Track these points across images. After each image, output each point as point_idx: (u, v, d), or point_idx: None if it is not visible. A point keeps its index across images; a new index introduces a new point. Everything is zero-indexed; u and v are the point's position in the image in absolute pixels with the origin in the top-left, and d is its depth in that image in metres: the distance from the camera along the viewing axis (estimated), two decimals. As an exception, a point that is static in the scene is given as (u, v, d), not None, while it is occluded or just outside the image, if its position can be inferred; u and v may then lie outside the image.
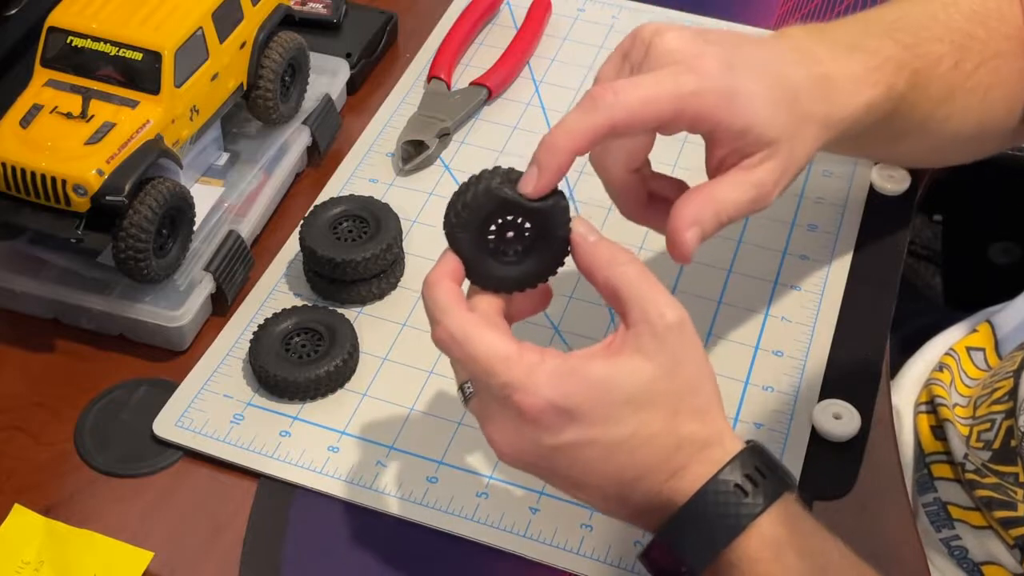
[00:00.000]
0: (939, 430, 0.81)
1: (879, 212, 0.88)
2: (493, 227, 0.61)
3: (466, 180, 0.61)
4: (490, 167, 0.62)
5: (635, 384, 0.58)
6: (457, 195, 0.61)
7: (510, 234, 0.61)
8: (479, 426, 0.62)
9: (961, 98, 0.76)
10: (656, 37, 0.64)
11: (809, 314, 0.81)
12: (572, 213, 0.62)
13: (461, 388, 0.63)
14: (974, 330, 0.87)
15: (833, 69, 0.68)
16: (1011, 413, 0.75)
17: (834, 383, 0.77)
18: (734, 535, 0.57)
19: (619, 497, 0.61)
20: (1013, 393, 0.76)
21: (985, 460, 0.76)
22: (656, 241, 0.86)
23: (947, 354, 0.86)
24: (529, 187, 0.60)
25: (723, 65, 0.63)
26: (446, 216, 0.62)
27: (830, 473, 0.73)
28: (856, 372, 0.78)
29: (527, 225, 0.61)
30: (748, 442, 0.60)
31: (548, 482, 0.63)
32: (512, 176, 0.61)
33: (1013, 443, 0.75)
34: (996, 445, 0.76)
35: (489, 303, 0.62)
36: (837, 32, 0.71)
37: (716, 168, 0.65)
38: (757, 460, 0.59)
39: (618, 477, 0.60)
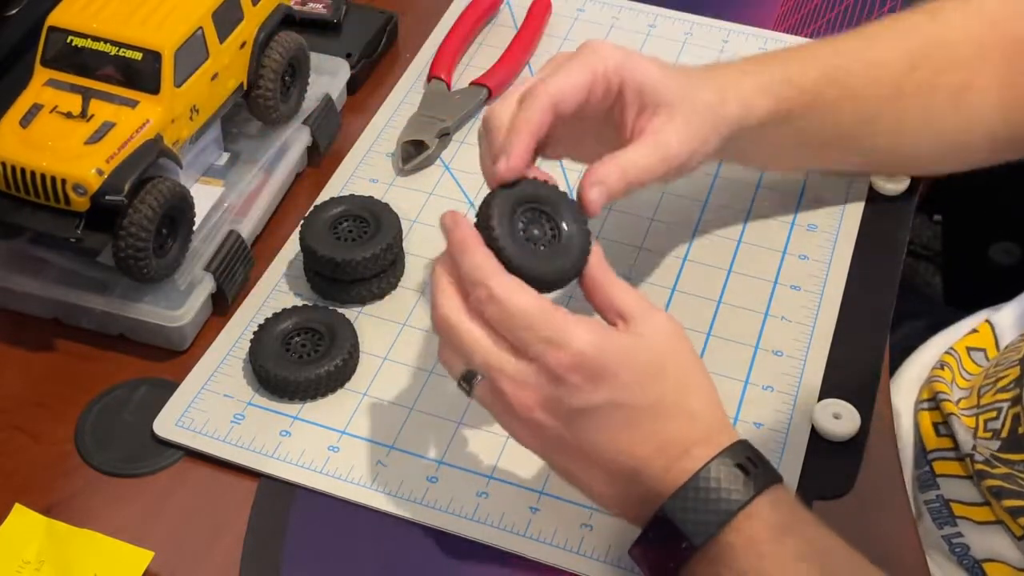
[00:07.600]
0: (943, 426, 0.81)
1: (879, 212, 0.88)
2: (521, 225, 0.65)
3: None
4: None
5: (652, 352, 0.62)
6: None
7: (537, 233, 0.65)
8: (490, 407, 0.64)
9: (922, 97, 0.80)
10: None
11: (809, 314, 0.81)
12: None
13: (464, 378, 0.64)
14: (974, 330, 0.87)
15: (723, 71, 0.76)
16: (1017, 400, 0.76)
17: (833, 383, 0.77)
18: (736, 509, 0.60)
19: (628, 476, 0.62)
20: (1019, 381, 0.76)
21: (994, 450, 0.76)
22: (655, 242, 0.86)
23: (947, 353, 0.86)
24: (503, 168, 0.65)
25: (621, 48, 0.71)
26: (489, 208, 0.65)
27: (830, 473, 0.73)
28: (855, 372, 0.78)
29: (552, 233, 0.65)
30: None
31: (559, 458, 0.64)
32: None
33: (1021, 430, 0.75)
34: (1004, 434, 0.76)
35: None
36: (741, 62, 0.79)
37: (630, 140, 0.71)
38: (750, 452, 0.62)
39: (634, 451, 0.62)
